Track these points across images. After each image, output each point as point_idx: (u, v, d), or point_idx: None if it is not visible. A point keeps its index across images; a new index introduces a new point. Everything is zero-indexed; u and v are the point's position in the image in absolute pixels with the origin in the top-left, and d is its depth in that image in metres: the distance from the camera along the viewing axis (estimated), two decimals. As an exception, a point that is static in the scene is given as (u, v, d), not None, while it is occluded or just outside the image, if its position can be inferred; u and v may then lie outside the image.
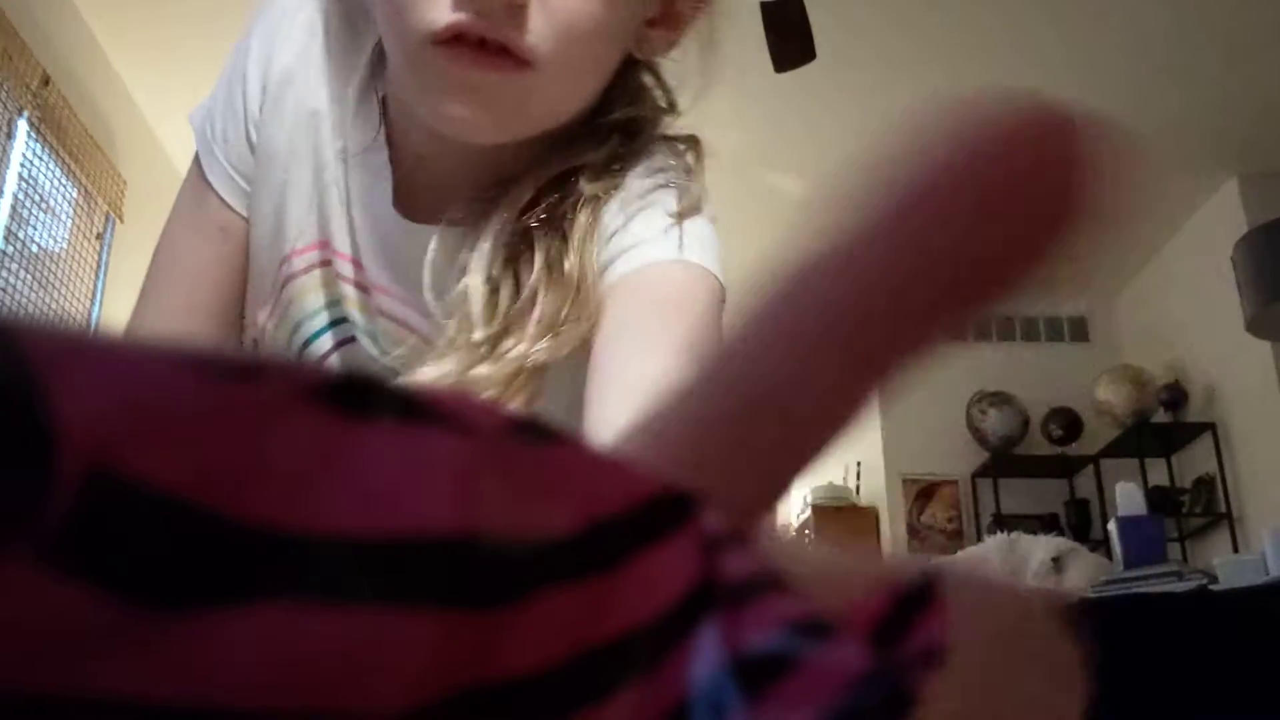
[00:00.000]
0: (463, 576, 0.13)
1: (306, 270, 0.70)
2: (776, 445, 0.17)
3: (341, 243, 0.69)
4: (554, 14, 0.55)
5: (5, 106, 3.00)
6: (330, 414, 0.12)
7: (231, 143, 0.71)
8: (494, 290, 0.61)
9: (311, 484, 0.12)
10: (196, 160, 0.73)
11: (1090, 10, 3.44)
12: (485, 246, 0.62)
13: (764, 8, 2.65)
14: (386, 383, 0.13)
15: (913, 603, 0.16)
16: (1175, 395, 4.59)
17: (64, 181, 3.36)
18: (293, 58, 0.69)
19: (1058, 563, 3.75)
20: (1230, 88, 3.80)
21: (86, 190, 3.48)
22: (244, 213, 0.72)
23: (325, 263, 0.69)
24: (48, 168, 3.26)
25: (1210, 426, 4.44)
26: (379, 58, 0.67)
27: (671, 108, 0.69)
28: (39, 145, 3.19)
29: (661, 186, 0.65)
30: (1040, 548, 3.84)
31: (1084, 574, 3.55)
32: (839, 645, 0.14)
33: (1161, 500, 4.33)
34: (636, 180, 0.65)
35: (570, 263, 0.61)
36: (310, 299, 0.70)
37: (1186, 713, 1.97)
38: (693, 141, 0.69)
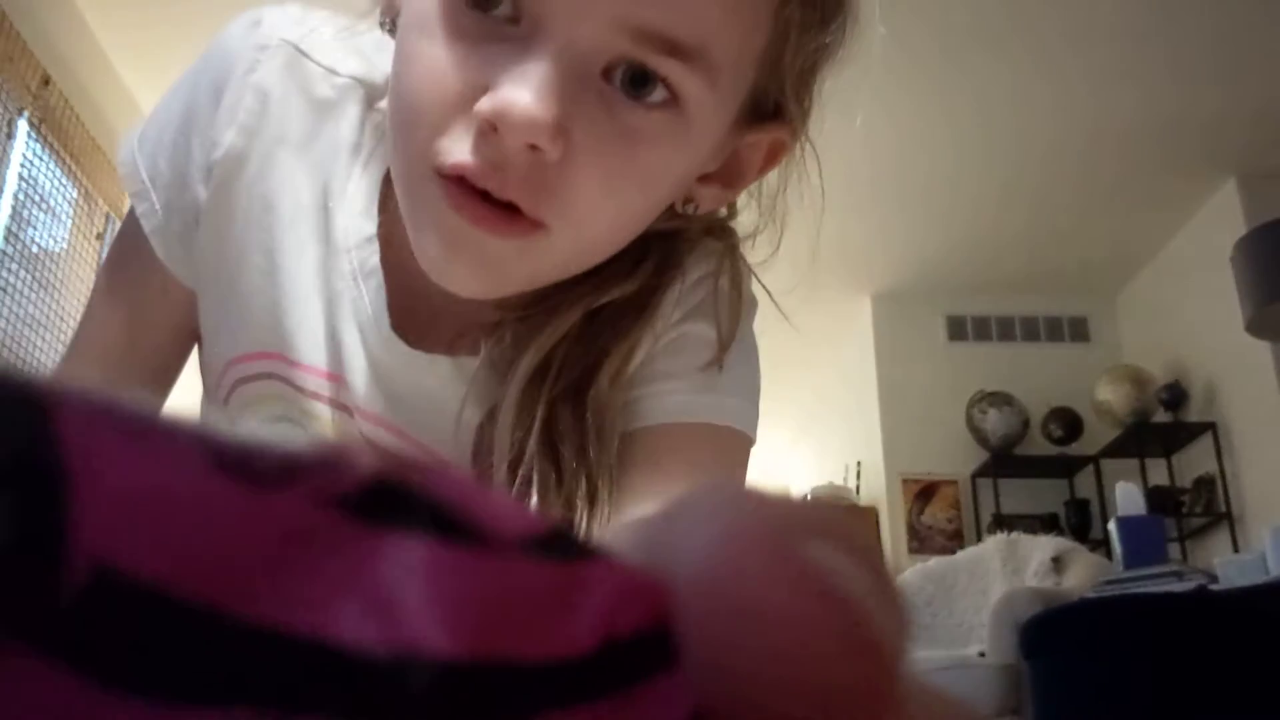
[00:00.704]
0: (466, 703, 0.12)
1: (259, 378, 0.60)
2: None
3: (315, 356, 0.58)
4: (581, 179, 0.46)
5: (5, 106, 3.00)
6: (353, 522, 0.12)
7: (173, 203, 0.60)
8: (528, 465, 0.54)
9: (320, 592, 0.12)
10: (133, 214, 0.62)
11: (1091, 13, 3.44)
12: (511, 414, 0.54)
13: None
14: (415, 488, 0.13)
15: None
16: (1175, 395, 4.59)
17: (64, 181, 3.36)
18: (240, 131, 0.58)
19: (1058, 563, 3.75)
20: (1230, 88, 3.80)
21: (86, 190, 3.48)
22: (183, 279, 0.61)
23: (279, 376, 0.59)
24: (48, 168, 3.26)
25: (1210, 426, 4.44)
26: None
27: (729, 216, 0.60)
28: (39, 145, 3.19)
29: (696, 314, 0.58)
30: (1040, 548, 3.84)
31: (1084, 574, 3.55)
32: None
33: (1161, 500, 4.33)
34: (671, 305, 0.57)
35: (607, 443, 0.54)
36: (267, 409, 0.60)
37: (1186, 713, 1.97)
38: (726, 234, 0.60)
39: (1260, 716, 1.88)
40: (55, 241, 3.35)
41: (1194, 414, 4.58)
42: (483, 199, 0.46)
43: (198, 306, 0.62)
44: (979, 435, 4.99)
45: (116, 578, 0.11)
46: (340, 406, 0.59)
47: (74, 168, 3.37)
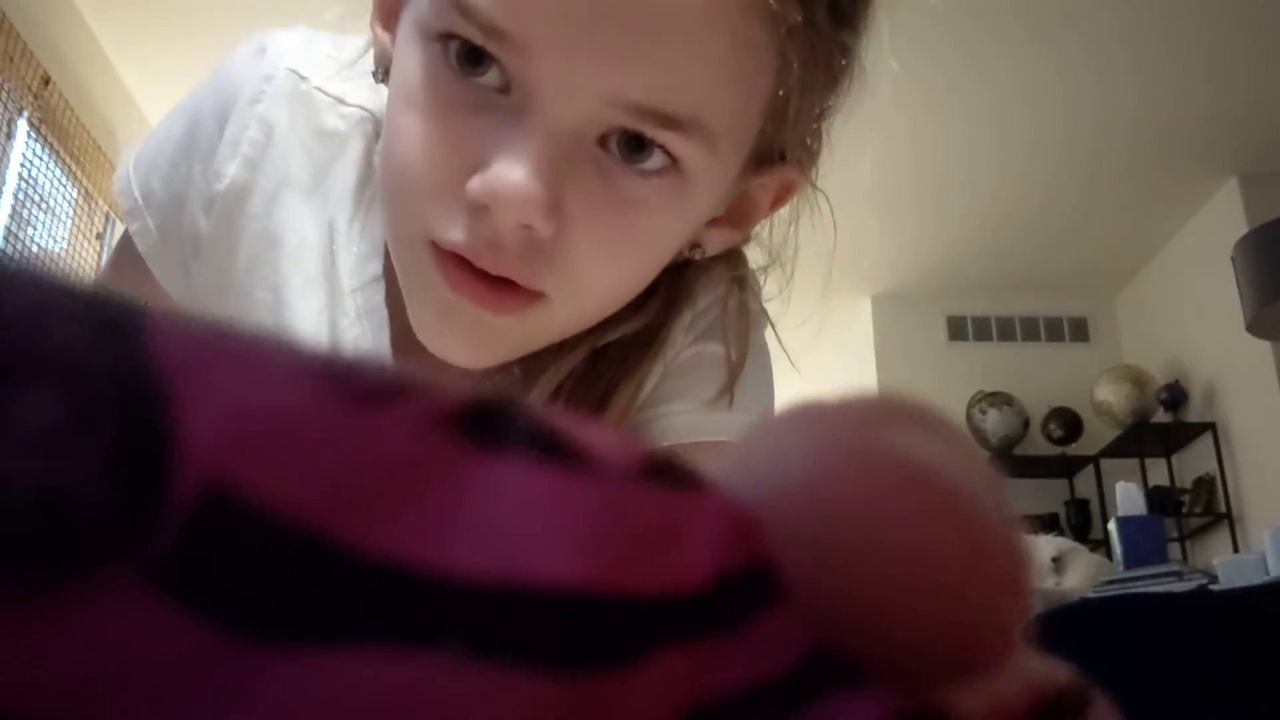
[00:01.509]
0: (581, 636, 0.12)
1: None
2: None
3: None
4: (579, 250, 0.44)
5: (5, 106, 3.00)
6: (462, 444, 0.11)
7: (169, 227, 0.59)
8: None
9: (435, 520, 0.11)
10: (127, 237, 0.61)
11: (1091, 12, 3.44)
12: None
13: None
14: (521, 408, 0.12)
15: (1058, 713, 0.15)
16: (1175, 395, 4.59)
17: (64, 181, 3.36)
18: (244, 164, 0.56)
19: (1058, 563, 3.75)
20: (1231, 88, 3.80)
21: (86, 190, 3.48)
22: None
23: None
24: (48, 168, 3.26)
25: (1210, 426, 4.44)
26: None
27: (737, 263, 0.59)
28: (39, 145, 3.19)
29: (707, 335, 0.57)
30: (1040, 548, 3.83)
31: (1084, 574, 3.55)
32: None
33: (1161, 500, 4.32)
34: (681, 333, 0.56)
35: None
36: None
37: (1187, 713, 1.96)
38: (735, 259, 0.59)
39: (1260, 716, 1.88)
40: (55, 241, 3.35)
41: (1194, 414, 4.58)
42: (479, 275, 0.45)
43: None
44: (979, 435, 4.99)
45: (227, 502, 0.10)
46: None
47: (74, 168, 3.37)
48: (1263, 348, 4.04)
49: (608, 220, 0.45)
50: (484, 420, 0.12)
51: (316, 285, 0.56)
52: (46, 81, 3.17)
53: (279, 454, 0.10)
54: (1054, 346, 5.32)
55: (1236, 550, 4.09)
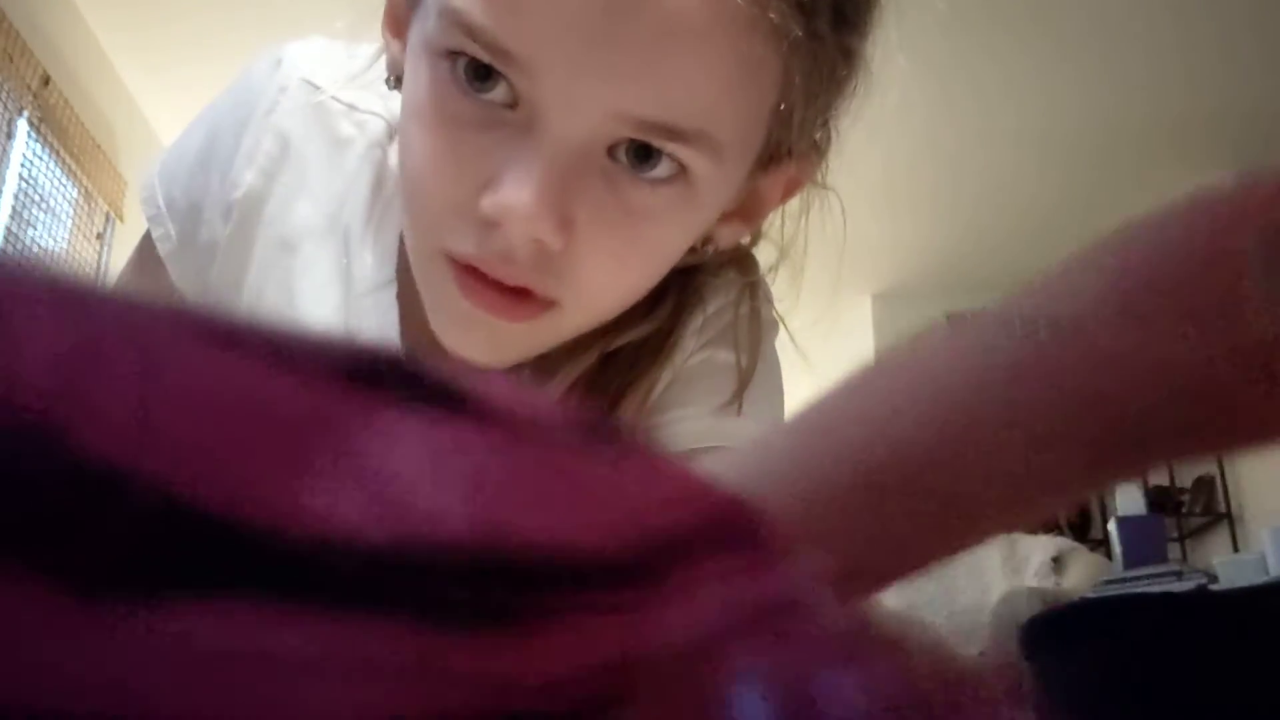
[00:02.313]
0: (485, 592, 0.11)
1: None
2: (928, 527, 0.15)
3: None
4: (590, 260, 0.45)
5: (5, 106, 3.00)
6: (347, 396, 0.11)
7: (188, 234, 0.61)
8: None
9: (312, 473, 0.11)
10: (148, 239, 0.62)
11: (1091, 13, 3.43)
12: None
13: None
14: (422, 364, 0.12)
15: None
16: (1175, 395, 4.59)
17: (64, 181, 3.36)
18: (259, 173, 0.58)
19: (1058, 563, 3.74)
20: (1231, 87, 3.80)
21: (86, 190, 3.48)
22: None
23: None
24: (48, 168, 3.26)
25: (1210, 426, 4.44)
26: None
27: (754, 238, 0.59)
28: (39, 145, 3.19)
29: (717, 341, 0.56)
30: (1040, 548, 3.83)
31: (1084, 574, 3.54)
32: (879, 675, 0.13)
33: (1161, 500, 4.33)
34: (691, 338, 0.56)
35: None
36: None
37: (1187, 713, 1.96)
38: (747, 264, 0.59)
39: (1260, 716, 1.88)
40: (55, 241, 3.35)
41: (1194, 414, 4.57)
42: (494, 285, 0.46)
43: None
44: (979, 435, 4.99)
45: (56, 446, 0.09)
46: None
47: (74, 168, 3.37)
48: (1263, 348, 4.04)
49: (617, 231, 0.45)
50: (378, 374, 0.11)
51: (330, 289, 0.57)
52: (46, 81, 3.17)
53: (119, 392, 0.10)
54: (1054, 346, 5.32)
55: (1236, 550, 4.09)
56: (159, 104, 3.88)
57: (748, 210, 0.54)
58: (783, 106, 0.46)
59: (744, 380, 0.56)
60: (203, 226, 0.60)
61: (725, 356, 0.56)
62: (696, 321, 0.56)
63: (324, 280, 0.57)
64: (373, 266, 0.57)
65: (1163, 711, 1.99)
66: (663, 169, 0.44)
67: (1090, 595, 2.58)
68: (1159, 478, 4.57)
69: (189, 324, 0.10)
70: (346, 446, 0.11)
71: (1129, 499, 2.87)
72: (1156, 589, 2.40)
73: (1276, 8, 3.42)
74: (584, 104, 0.42)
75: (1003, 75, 3.75)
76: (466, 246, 0.45)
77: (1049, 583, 3.56)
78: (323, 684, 0.10)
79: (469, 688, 0.11)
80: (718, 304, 0.57)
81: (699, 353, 0.56)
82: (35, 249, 3.21)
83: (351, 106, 0.59)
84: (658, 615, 0.13)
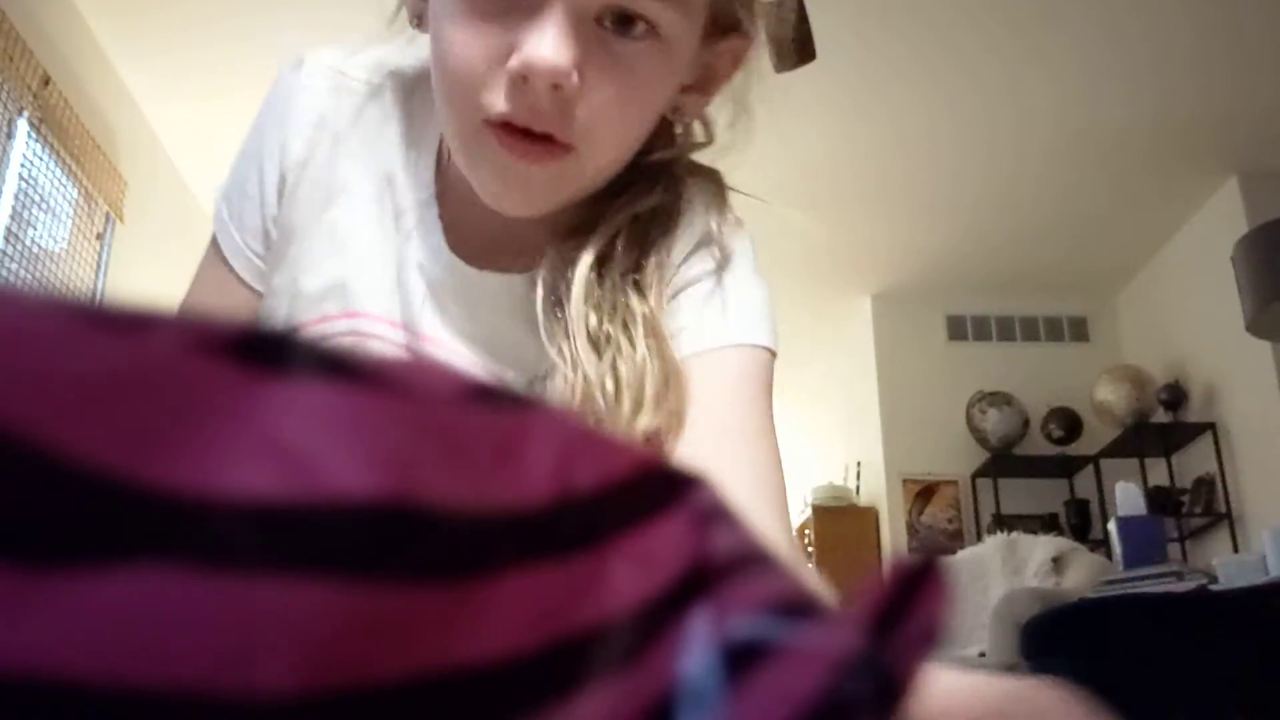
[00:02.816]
0: (390, 549, 0.11)
1: (330, 337, 0.67)
2: None
3: (379, 307, 0.68)
4: (603, 100, 0.58)
5: (5, 106, 3.00)
6: (233, 368, 0.11)
7: (248, 227, 0.72)
8: (600, 353, 0.63)
9: (205, 441, 0.11)
10: (215, 241, 0.74)
11: (1092, 13, 3.44)
12: (580, 288, 0.64)
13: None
14: (308, 340, 0.12)
15: (914, 584, 0.15)
16: (1175, 395, 4.59)
17: (64, 181, 3.36)
18: (304, 142, 0.69)
19: (1058, 563, 3.75)
20: (1231, 88, 3.80)
21: (86, 190, 3.48)
22: (260, 289, 0.73)
23: (348, 332, 0.68)
24: (48, 168, 3.26)
25: (1210, 426, 4.44)
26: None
27: (709, 141, 0.71)
28: (39, 145, 3.19)
29: (703, 246, 0.69)
30: (1040, 548, 3.84)
31: (1084, 574, 3.55)
32: (826, 628, 0.13)
33: (1161, 500, 4.33)
34: (685, 237, 0.68)
35: (657, 330, 0.65)
36: None
37: (1187, 713, 1.97)
38: (715, 177, 0.72)
39: (1260, 716, 1.88)
40: (55, 241, 3.35)
41: (1194, 414, 4.58)
42: (524, 136, 0.58)
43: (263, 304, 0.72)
44: (979, 435, 4.99)
45: None
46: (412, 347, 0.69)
47: (74, 168, 3.37)
48: (1263, 348, 4.04)
49: (614, 78, 0.58)
50: (261, 346, 0.12)
51: (377, 224, 0.69)
52: (46, 81, 3.17)
53: (24, 380, 0.10)
54: (1054, 346, 5.32)
55: (1236, 550, 4.09)
56: (159, 104, 3.88)
57: (704, 82, 0.67)
58: None
59: (722, 274, 0.68)
60: (263, 208, 0.71)
61: (707, 263, 0.68)
62: (696, 203, 0.69)
63: (372, 217, 0.69)
64: (414, 192, 0.69)
65: (1163, 711, 1.99)
66: (639, 28, 0.58)
67: (1090, 595, 2.58)
68: (1159, 478, 4.57)
69: (84, 313, 0.11)
70: (244, 416, 0.11)
71: (1129, 499, 2.87)
72: (1156, 589, 2.41)
73: (1272, 16, 3.42)
74: None
75: (1002, 77, 3.75)
76: (500, 105, 0.57)
77: (1049, 583, 3.57)
78: (239, 646, 0.10)
79: (399, 647, 0.11)
80: (699, 201, 0.70)
81: (686, 268, 0.68)
82: (35, 249, 3.22)
83: (368, 79, 0.71)
84: (601, 575, 0.13)
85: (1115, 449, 4.70)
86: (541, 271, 0.65)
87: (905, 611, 0.14)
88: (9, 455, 0.10)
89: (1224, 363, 4.41)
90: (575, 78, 0.56)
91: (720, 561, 0.14)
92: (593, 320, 0.63)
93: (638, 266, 0.66)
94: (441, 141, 0.68)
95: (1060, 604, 2.85)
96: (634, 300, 0.65)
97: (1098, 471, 4.85)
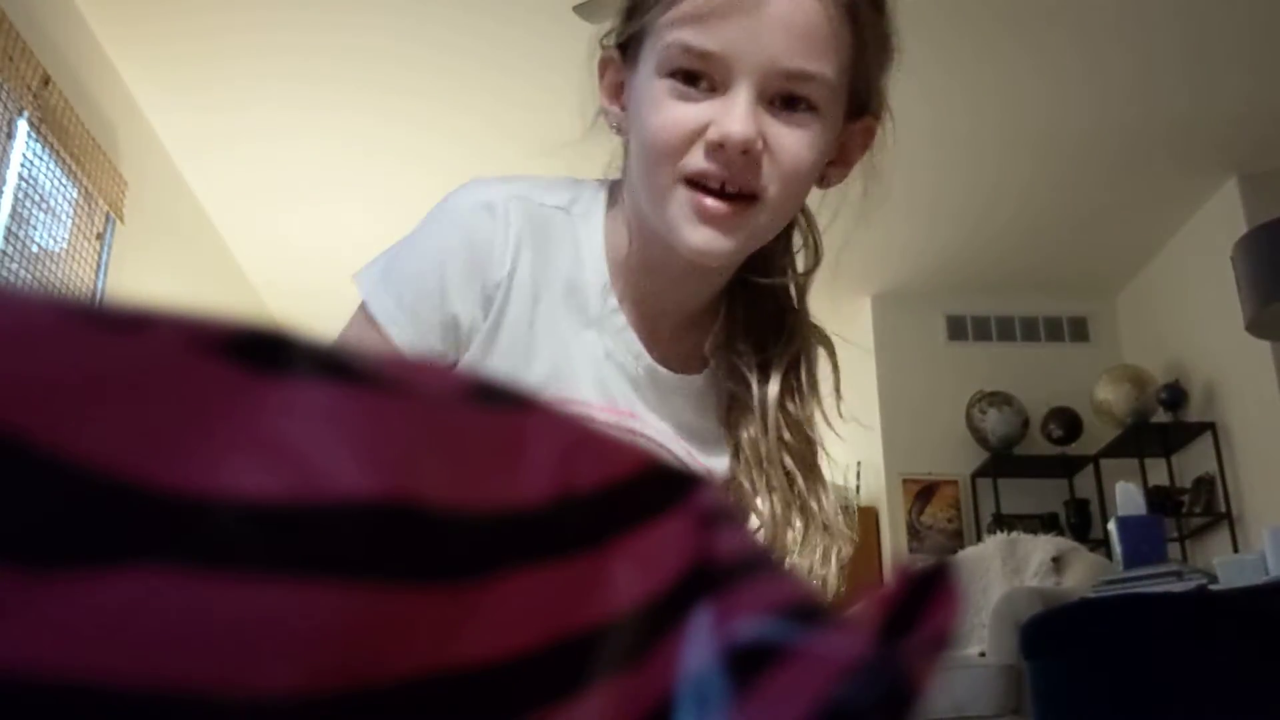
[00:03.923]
0: (390, 550, 0.11)
1: None
2: None
3: (588, 395, 0.81)
4: (779, 162, 0.73)
5: (5, 106, 3.00)
6: (232, 368, 0.11)
7: (425, 325, 0.80)
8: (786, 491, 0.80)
9: (205, 442, 0.11)
10: (367, 311, 0.81)
11: (1093, 13, 3.44)
12: (772, 441, 0.81)
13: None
14: (308, 339, 0.12)
15: (925, 589, 0.15)
16: (1175, 395, 4.59)
17: (64, 181, 3.36)
18: (509, 265, 0.80)
19: (1058, 563, 3.75)
20: (1231, 88, 3.80)
21: (86, 190, 3.48)
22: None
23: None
24: (48, 168, 3.26)
25: (1210, 426, 4.44)
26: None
27: (818, 262, 0.89)
28: (39, 145, 3.19)
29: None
30: (1040, 548, 3.84)
31: (1084, 574, 3.54)
32: (834, 632, 0.13)
33: (1161, 500, 4.32)
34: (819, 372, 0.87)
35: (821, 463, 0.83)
36: None
37: (1187, 713, 1.96)
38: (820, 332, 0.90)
39: (1260, 716, 1.88)
40: (55, 241, 3.35)
41: (1194, 414, 4.57)
42: (717, 194, 0.73)
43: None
44: (979, 435, 4.99)
45: None
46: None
47: (74, 168, 3.37)
48: (1262, 348, 4.04)
49: (785, 144, 0.74)
50: (259, 346, 0.11)
51: (571, 327, 0.82)
52: (46, 81, 3.17)
53: (24, 381, 0.10)
54: (1054, 346, 5.32)
55: (1236, 550, 4.09)
56: (159, 104, 3.88)
57: (842, 157, 0.83)
58: (857, 66, 0.76)
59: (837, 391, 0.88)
60: (455, 324, 0.80)
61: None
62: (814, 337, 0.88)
63: (568, 323, 0.81)
64: (598, 297, 0.82)
65: (1163, 711, 1.99)
66: (802, 106, 0.74)
67: (1090, 595, 2.58)
68: (1159, 478, 4.57)
69: (84, 313, 0.11)
70: (243, 416, 0.11)
71: (1129, 499, 2.86)
72: (1156, 589, 2.40)
73: (1271, 15, 3.42)
74: (755, 66, 0.72)
75: (1002, 77, 3.75)
76: (699, 164, 0.73)
77: (1049, 583, 3.57)
78: (239, 646, 0.10)
79: (400, 648, 0.11)
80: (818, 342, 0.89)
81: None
82: (35, 249, 3.21)
83: (552, 205, 0.83)
84: (602, 575, 0.13)
85: (1115, 449, 4.70)
86: (713, 381, 0.83)
87: (916, 617, 0.14)
88: (9, 456, 0.10)
89: (1224, 363, 4.41)
90: (760, 143, 0.72)
91: (724, 562, 0.14)
92: (778, 453, 0.80)
93: (802, 400, 0.83)
94: (611, 259, 0.82)
95: (1060, 604, 2.85)
96: (806, 434, 0.82)
97: (1098, 471, 4.84)
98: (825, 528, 0.79)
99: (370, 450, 0.11)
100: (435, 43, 3.50)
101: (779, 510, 0.78)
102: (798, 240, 0.89)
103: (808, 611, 0.14)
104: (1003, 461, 4.93)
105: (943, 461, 5.07)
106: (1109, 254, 4.95)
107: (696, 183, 0.73)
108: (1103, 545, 4.27)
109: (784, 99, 0.73)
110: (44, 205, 3.26)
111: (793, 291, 0.88)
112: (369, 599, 0.11)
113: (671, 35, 0.73)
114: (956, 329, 5.35)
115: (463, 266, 0.80)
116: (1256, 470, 4.22)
